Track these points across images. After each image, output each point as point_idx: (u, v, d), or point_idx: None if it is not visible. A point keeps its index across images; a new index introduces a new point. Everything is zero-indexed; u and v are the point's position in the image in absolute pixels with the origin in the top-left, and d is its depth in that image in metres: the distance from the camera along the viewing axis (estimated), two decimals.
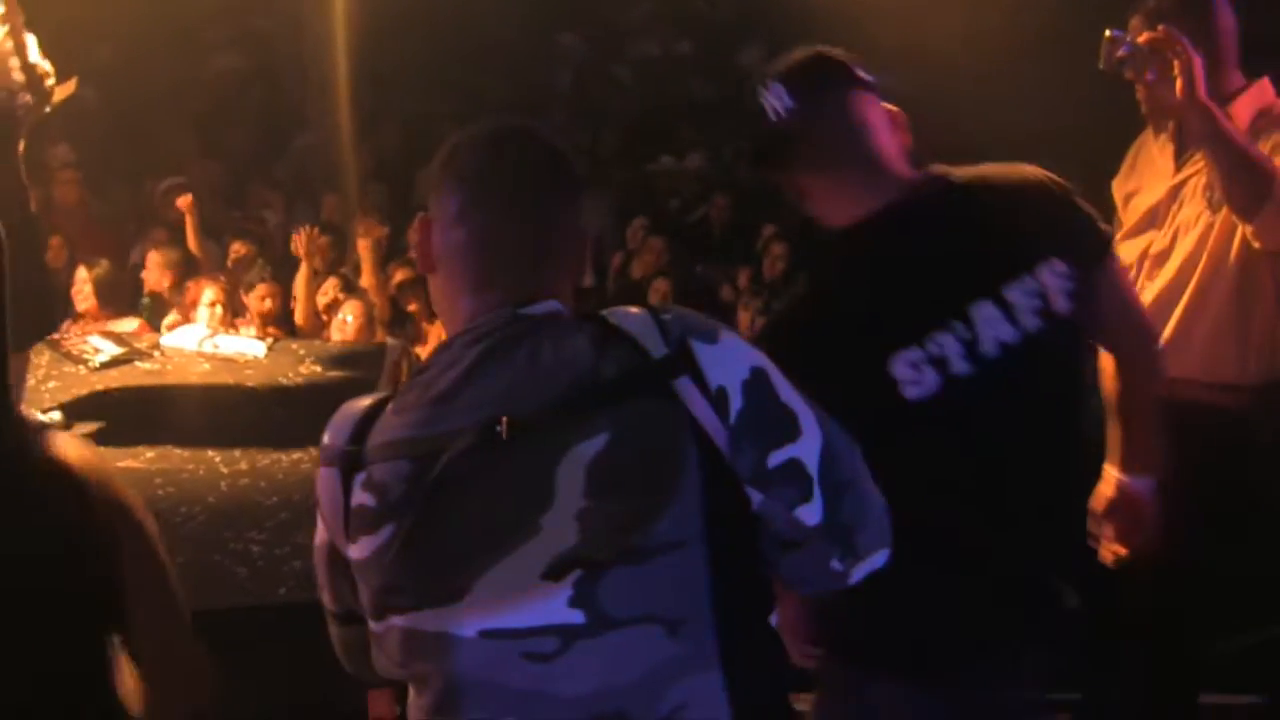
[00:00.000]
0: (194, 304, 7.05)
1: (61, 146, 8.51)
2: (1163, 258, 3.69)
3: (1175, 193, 3.68)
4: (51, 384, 5.79)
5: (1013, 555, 2.56)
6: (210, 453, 5.23)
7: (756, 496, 1.92)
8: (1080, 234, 2.63)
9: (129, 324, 6.87)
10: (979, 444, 2.54)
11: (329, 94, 9.11)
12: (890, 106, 2.67)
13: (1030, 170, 2.66)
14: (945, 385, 2.50)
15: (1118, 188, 3.90)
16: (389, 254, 7.97)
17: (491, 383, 1.92)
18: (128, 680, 2.00)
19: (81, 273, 7.03)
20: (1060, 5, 8.04)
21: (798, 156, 2.63)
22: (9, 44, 5.16)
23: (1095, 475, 2.92)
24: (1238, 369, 3.67)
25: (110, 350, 6.20)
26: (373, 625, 1.98)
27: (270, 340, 6.46)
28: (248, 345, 6.41)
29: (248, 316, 7.11)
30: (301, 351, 6.43)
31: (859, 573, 2.02)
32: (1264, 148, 3.44)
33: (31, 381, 5.72)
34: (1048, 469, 2.58)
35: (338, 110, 8.88)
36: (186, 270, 7.67)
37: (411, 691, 2.00)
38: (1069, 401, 2.67)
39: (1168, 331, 3.65)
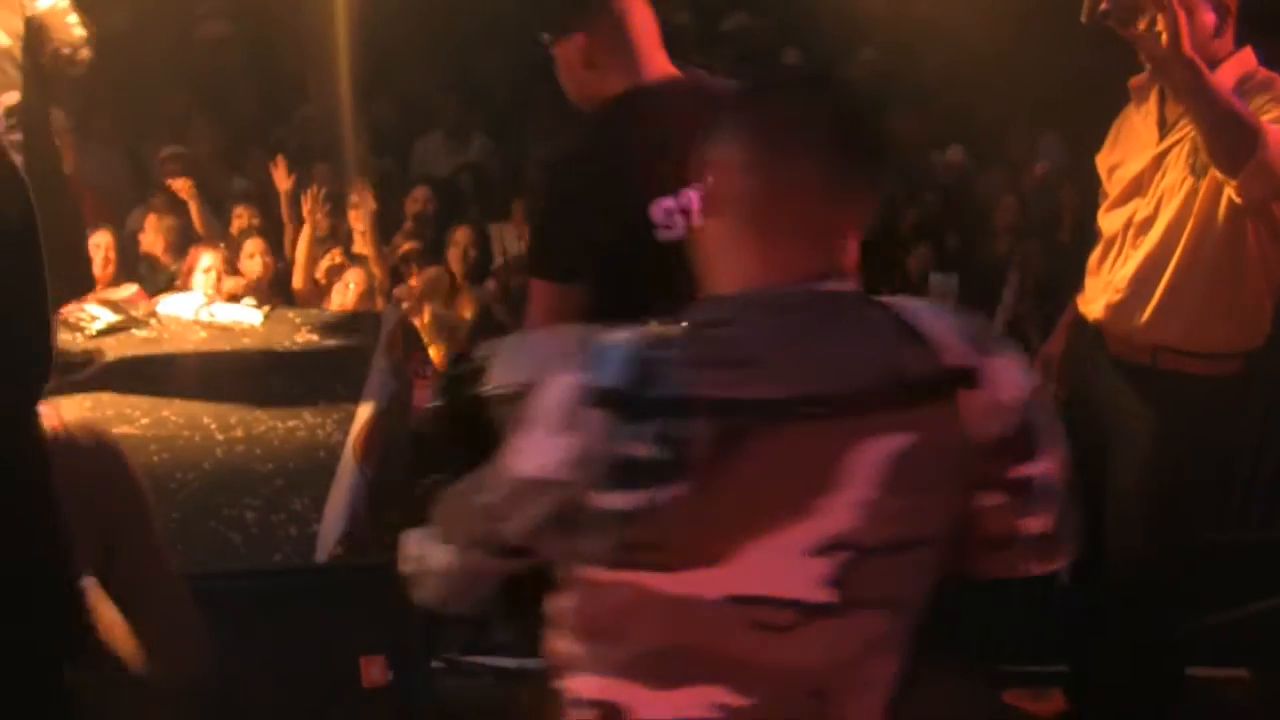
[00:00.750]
0: (190, 271, 7.05)
1: (54, 112, 8.47)
2: (1146, 225, 3.67)
3: (1159, 161, 3.66)
4: None
5: None
6: (206, 420, 5.25)
7: (990, 500, 2.00)
8: None
9: (126, 290, 6.86)
10: None
11: (326, 66, 9.08)
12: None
13: None
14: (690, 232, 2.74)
15: (1101, 161, 3.90)
16: (388, 226, 7.95)
17: (800, 358, 1.88)
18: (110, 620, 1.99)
19: (98, 238, 7.01)
20: None
21: (599, 26, 3.12)
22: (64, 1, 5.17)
23: None
24: (1226, 337, 3.67)
25: (107, 317, 6.20)
26: (596, 574, 1.91)
27: (267, 309, 6.45)
28: (244, 313, 6.41)
29: (246, 284, 7.10)
30: (298, 320, 6.43)
31: (1039, 572, 2.15)
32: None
33: None
34: None
35: (337, 82, 8.86)
36: (185, 237, 7.67)
37: (583, 644, 1.98)
38: None
39: (1154, 299, 3.65)
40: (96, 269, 6.82)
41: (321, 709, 3.78)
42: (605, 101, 3.14)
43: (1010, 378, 1.97)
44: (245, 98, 10.15)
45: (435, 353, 6.52)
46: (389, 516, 4.72)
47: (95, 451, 1.94)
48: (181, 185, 7.77)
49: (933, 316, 1.96)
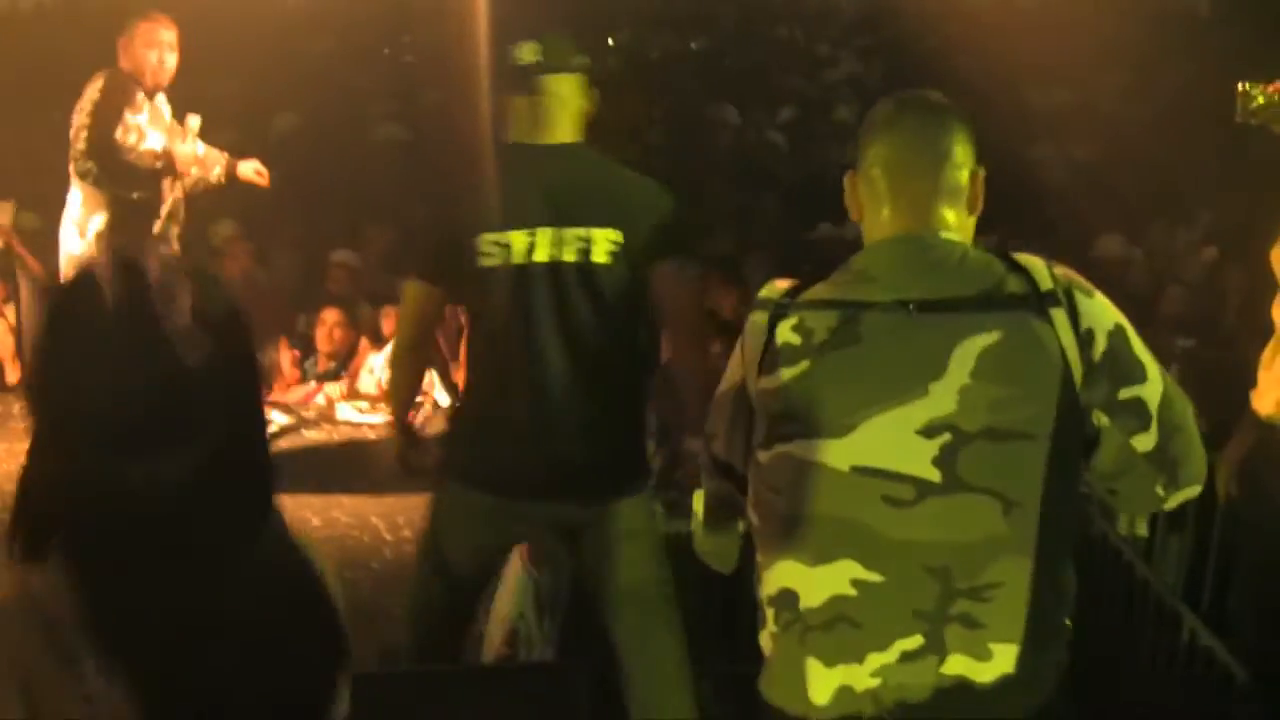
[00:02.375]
0: (357, 372, 7.19)
1: (224, 223, 8.73)
2: None
3: None
4: None
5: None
6: (374, 519, 5.35)
7: (1103, 420, 2.30)
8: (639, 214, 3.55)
9: (299, 391, 7.02)
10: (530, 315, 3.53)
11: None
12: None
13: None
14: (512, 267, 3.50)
15: (1275, 255, 3.85)
16: None
17: (915, 273, 2.33)
18: None
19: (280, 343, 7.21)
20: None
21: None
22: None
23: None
24: None
25: (279, 420, 6.38)
26: (760, 455, 2.38)
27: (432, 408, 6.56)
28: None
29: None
30: None
31: (1174, 500, 2.42)
32: None
33: None
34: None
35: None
36: (354, 338, 7.82)
37: (761, 533, 2.40)
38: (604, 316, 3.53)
39: None
40: (283, 372, 7.03)
41: None
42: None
43: (1098, 309, 2.32)
44: (415, 203, 10.33)
45: None
46: (554, 617, 4.75)
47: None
48: (349, 289, 7.94)
49: (1038, 260, 2.35)
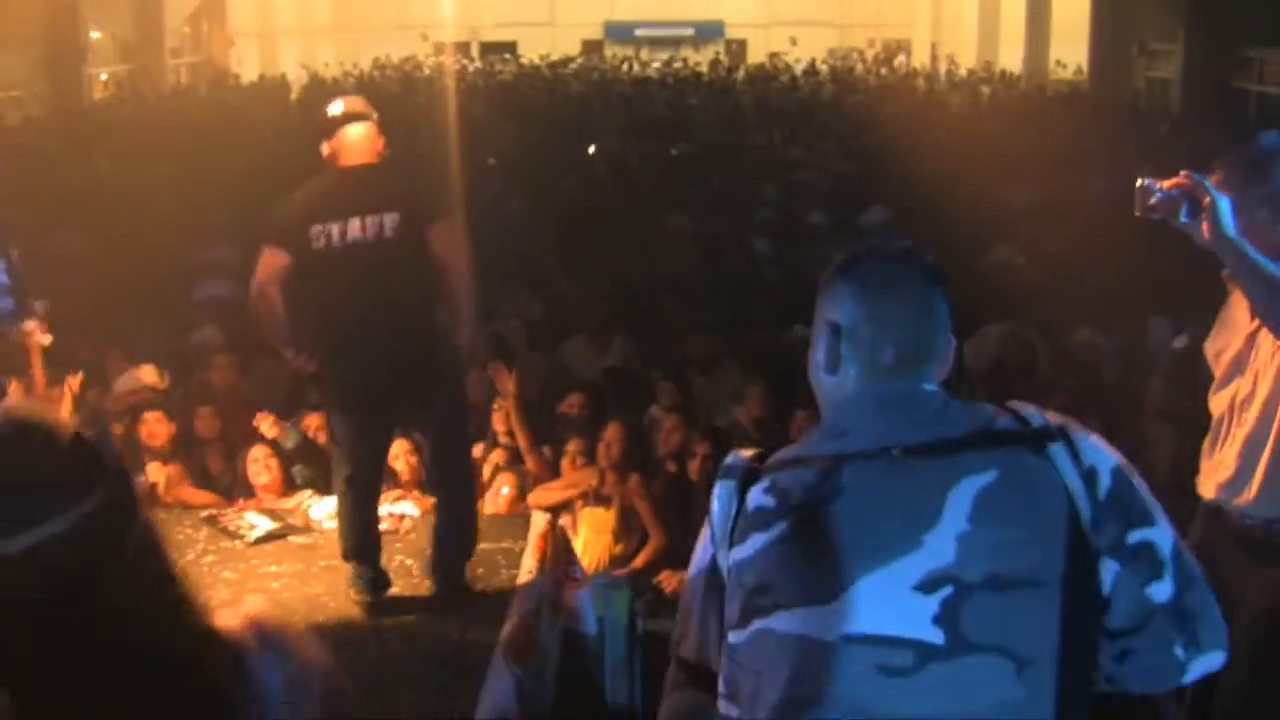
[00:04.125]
0: None
1: (208, 329, 8.78)
2: (1248, 402, 3.73)
3: (1252, 339, 3.73)
4: (209, 558, 6.02)
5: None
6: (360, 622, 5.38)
7: (1113, 567, 2.11)
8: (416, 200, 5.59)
9: (291, 501, 7.01)
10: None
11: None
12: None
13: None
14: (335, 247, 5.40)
15: (1208, 347, 4.00)
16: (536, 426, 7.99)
17: (895, 421, 2.18)
18: None
19: (256, 452, 7.22)
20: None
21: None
22: None
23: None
24: None
25: (265, 525, 6.40)
26: (734, 637, 2.15)
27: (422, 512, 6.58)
28: (403, 508, 6.61)
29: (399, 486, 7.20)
30: None
31: (1196, 669, 2.18)
32: None
33: (190, 556, 5.94)
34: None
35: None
36: None
37: (736, 711, 2.16)
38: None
39: (1258, 475, 3.69)
40: (257, 480, 7.05)
41: None
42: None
43: (1098, 447, 2.18)
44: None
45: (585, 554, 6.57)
46: (538, 716, 4.77)
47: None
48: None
49: (1024, 405, 2.23)
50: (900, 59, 42.42)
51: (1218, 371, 3.90)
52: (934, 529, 2.06)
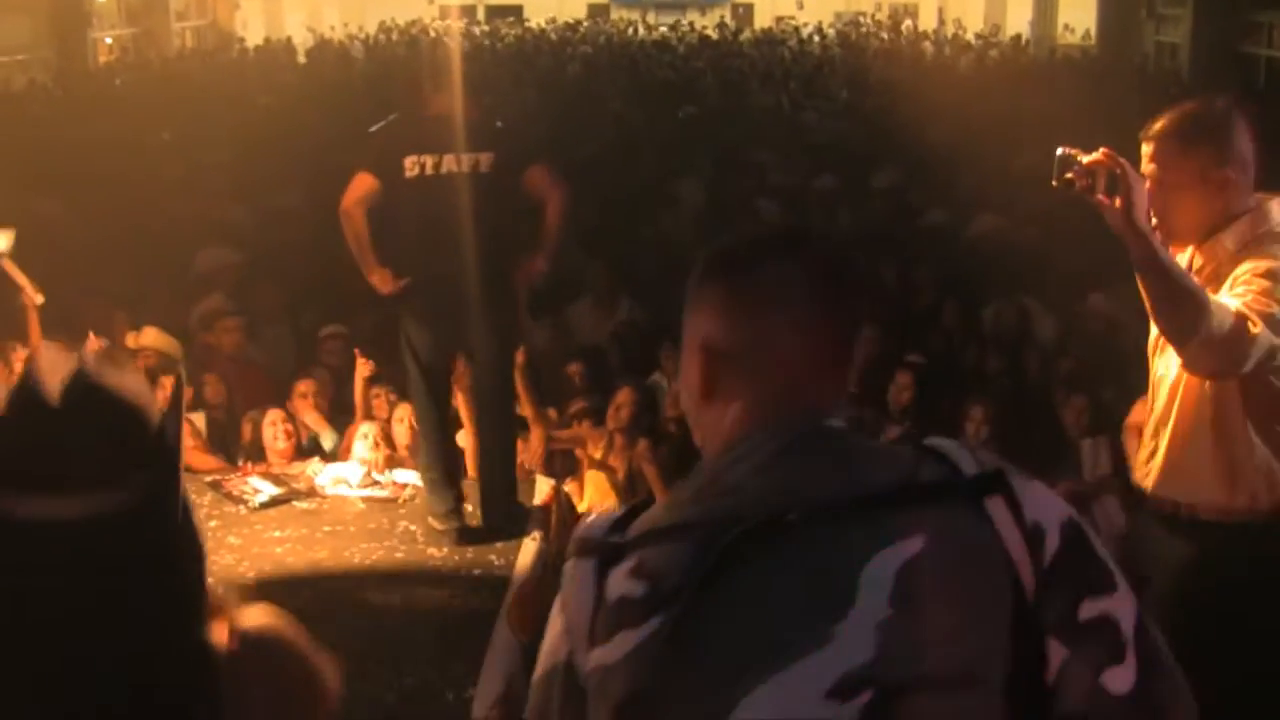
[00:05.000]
0: (349, 445, 7.17)
1: (215, 296, 8.76)
2: (1160, 384, 3.71)
3: None
4: (213, 523, 6.00)
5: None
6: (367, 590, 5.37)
7: (1060, 653, 1.66)
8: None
9: (296, 467, 6.99)
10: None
11: None
12: None
13: None
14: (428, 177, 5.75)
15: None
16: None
17: (793, 472, 1.70)
18: None
19: (272, 415, 7.16)
20: None
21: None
22: None
23: None
24: (1229, 498, 3.58)
25: (269, 491, 6.39)
26: None
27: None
28: (404, 475, 6.59)
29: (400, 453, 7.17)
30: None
31: None
32: (1245, 263, 3.38)
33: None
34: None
35: None
36: (344, 410, 7.79)
37: None
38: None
39: (1159, 457, 3.68)
40: (274, 445, 7.01)
41: None
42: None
43: (1043, 498, 1.73)
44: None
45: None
46: None
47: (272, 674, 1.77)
48: (339, 361, 7.94)
49: (951, 442, 1.77)
50: (907, 23, 42.22)
51: (1149, 349, 3.84)
52: (846, 617, 1.59)
